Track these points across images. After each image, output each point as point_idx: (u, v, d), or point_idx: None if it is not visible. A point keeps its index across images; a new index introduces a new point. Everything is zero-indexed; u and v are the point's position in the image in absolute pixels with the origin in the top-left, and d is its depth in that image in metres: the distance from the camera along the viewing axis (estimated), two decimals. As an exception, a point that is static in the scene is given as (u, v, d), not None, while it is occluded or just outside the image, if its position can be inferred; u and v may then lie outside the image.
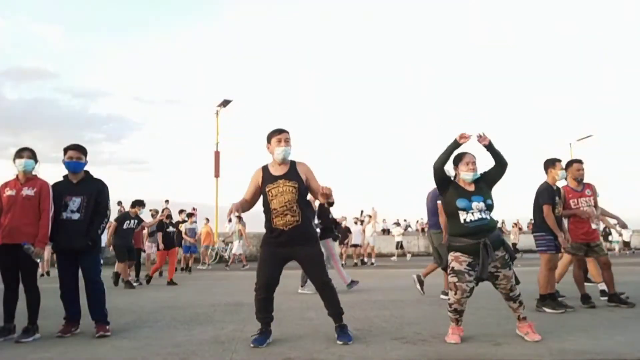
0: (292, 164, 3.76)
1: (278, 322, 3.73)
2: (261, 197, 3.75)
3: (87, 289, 4.18)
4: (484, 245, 3.54)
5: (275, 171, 3.71)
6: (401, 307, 5.58)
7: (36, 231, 3.98)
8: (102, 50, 46.67)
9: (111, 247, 9.28)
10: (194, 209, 15.63)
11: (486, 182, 3.81)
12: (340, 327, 3.70)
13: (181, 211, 12.43)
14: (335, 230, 8.34)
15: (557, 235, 5.13)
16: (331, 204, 8.15)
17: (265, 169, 3.77)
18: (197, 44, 48.86)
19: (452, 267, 3.66)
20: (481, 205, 3.65)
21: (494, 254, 3.58)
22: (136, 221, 9.08)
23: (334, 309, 3.73)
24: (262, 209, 3.76)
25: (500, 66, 49.52)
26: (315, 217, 7.27)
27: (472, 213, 3.63)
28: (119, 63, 47.43)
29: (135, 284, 8.94)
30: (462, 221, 3.65)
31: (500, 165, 3.82)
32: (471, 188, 3.75)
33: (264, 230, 3.80)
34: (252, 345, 3.53)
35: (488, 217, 3.67)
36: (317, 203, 9.20)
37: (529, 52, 48.25)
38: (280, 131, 3.74)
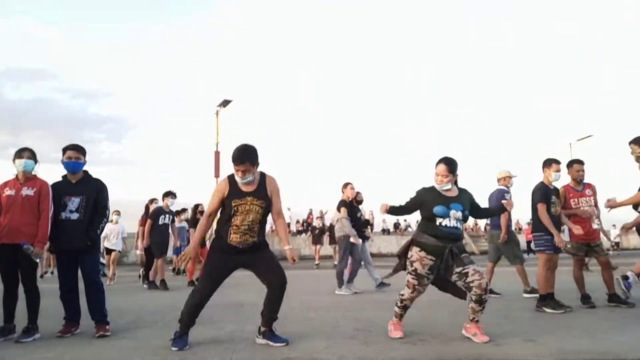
0: (262, 178, 3.62)
1: (278, 322, 3.72)
2: (223, 207, 3.60)
3: (87, 289, 4.18)
4: (449, 251, 3.64)
5: (244, 187, 3.53)
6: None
7: (36, 231, 3.98)
8: (103, 50, 46.66)
9: (139, 250, 9.19)
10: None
11: (470, 201, 3.89)
12: (270, 331, 3.64)
13: (183, 210, 12.33)
14: (367, 228, 8.19)
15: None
16: (360, 201, 8.16)
17: (232, 181, 3.56)
18: (197, 44, 48.86)
19: (415, 269, 3.73)
20: (459, 214, 3.70)
21: (458, 260, 3.65)
22: (171, 216, 8.70)
23: (273, 313, 3.67)
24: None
25: (500, 66, 49.52)
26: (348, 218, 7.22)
27: (449, 219, 3.68)
28: (120, 63, 47.44)
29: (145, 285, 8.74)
30: (437, 224, 3.69)
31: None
32: (452, 194, 3.79)
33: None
34: (173, 347, 3.49)
35: (460, 228, 3.77)
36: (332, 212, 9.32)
37: (528, 51, 48.24)
38: (237, 161, 3.47)
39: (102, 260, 10.35)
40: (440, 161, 3.80)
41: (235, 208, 3.50)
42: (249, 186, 3.55)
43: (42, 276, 10.53)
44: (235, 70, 49.47)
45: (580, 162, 5.55)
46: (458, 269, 3.63)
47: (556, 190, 5.35)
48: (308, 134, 48.85)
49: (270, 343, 3.57)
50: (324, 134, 51.58)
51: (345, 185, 7.51)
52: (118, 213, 10.55)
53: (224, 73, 48.78)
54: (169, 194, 8.71)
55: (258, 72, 50.34)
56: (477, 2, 48.41)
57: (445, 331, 3.88)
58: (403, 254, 3.88)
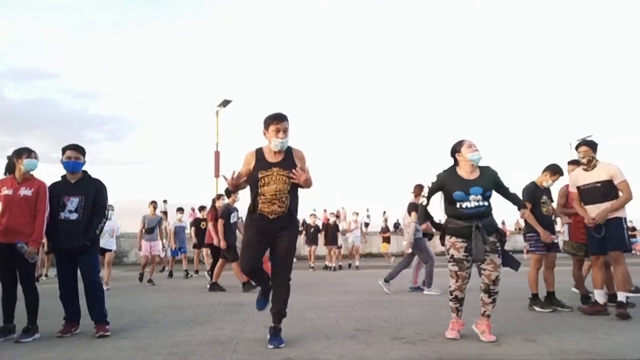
0: (288, 149, 3.64)
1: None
2: (250, 179, 3.65)
3: (87, 289, 4.18)
4: (476, 227, 3.60)
5: (270, 158, 3.59)
6: (401, 307, 5.58)
7: (33, 231, 3.99)
8: (103, 50, 46.60)
9: (201, 251, 8.92)
10: (192, 209, 15.57)
11: (493, 181, 3.79)
12: (274, 328, 3.62)
13: (179, 209, 12.08)
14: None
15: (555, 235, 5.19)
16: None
17: (259, 152, 3.63)
18: (198, 44, 48.85)
19: (452, 255, 3.73)
20: (479, 197, 3.69)
21: (487, 237, 3.63)
22: (237, 213, 8.21)
23: (282, 308, 3.66)
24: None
25: (500, 65, 49.48)
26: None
27: (469, 202, 3.68)
28: (120, 63, 47.39)
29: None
30: (458, 206, 3.71)
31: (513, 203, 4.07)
32: (473, 176, 3.75)
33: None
34: (257, 308, 3.87)
35: (485, 204, 3.73)
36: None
37: (529, 51, 48.22)
38: (279, 119, 3.55)
39: None
40: (463, 139, 3.82)
41: (262, 179, 3.54)
42: (275, 157, 3.59)
43: (37, 279, 10.36)
44: (235, 70, 49.46)
45: (573, 163, 5.58)
46: (475, 251, 3.61)
47: (547, 190, 5.37)
48: (307, 133, 48.82)
49: (269, 344, 3.54)
50: (324, 134, 51.55)
51: (420, 187, 7.09)
52: (112, 208, 9.86)
53: (224, 73, 48.79)
54: (222, 196, 8.37)
55: (258, 72, 50.33)
56: (476, 1, 48.40)
57: (445, 331, 3.87)
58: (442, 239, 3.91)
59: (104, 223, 4.33)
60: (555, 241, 5.27)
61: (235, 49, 49.72)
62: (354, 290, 7.42)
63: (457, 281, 3.74)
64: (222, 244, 7.78)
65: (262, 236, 3.62)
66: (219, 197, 8.85)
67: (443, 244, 3.89)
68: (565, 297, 5.46)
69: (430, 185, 3.91)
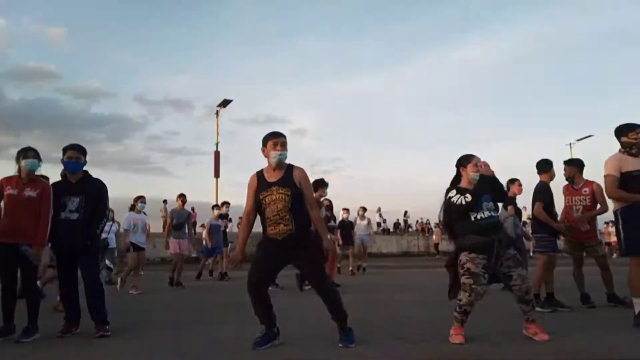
0: (289, 168, 3.62)
1: (279, 322, 3.72)
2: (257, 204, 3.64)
3: (87, 289, 4.18)
4: (498, 242, 3.58)
5: (270, 177, 3.58)
6: (401, 307, 5.58)
7: (36, 233, 3.98)
8: (104, 51, 46.51)
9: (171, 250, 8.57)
10: (192, 209, 15.55)
11: (488, 186, 3.78)
12: (342, 329, 3.61)
13: (215, 206, 11.09)
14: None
15: (557, 236, 5.20)
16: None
17: (260, 174, 3.64)
18: (198, 44, 48.84)
19: (468, 269, 3.61)
20: (490, 205, 3.71)
21: (506, 253, 3.61)
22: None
23: (336, 314, 3.64)
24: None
25: (499, 65, 49.49)
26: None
27: (483, 212, 3.66)
28: (121, 63, 47.33)
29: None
30: (472, 219, 3.66)
31: (500, 197, 3.91)
32: (476, 187, 3.75)
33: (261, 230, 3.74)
34: (252, 347, 3.46)
35: (496, 215, 3.73)
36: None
37: (528, 50, 48.23)
38: (277, 135, 3.62)
39: (108, 264, 9.45)
40: (473, 155, 3.81)
41: (263, 200, 3.54)
42: (274, 175, 3.58)
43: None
44: (235, 70, 49.45)
45: (566, 162, 5.60)
46: (504, 269, 3.59)
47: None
48: (308, 132, 48.83)
49: (339, 343, 3.53)
50: (324, 133, 51.53)
51: (513, 181, 6.90)
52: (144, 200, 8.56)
53: (224, 73, 48.77)
54: (323, 184, 7.68)
55: (258, 72, 50.32)
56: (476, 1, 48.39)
57: (446, 331, 3.86)
58: (450, 265, 3.79)
59: (105, 223, 4.33)
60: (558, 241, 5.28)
61: (236, 49, 49.70)
62: (354, 290, 7.41)
63: (469, 295, 3.60)
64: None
65: (271, 256, 3.60)
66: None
67: (450, 266, 3.80)
68: (565, 298, 5.46)
69: (442, 213, 3.87)
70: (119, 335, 4.06)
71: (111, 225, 9.59)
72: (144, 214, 8.39)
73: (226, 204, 11.20)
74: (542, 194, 5.22)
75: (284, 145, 3.57)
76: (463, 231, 3.72)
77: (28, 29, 41.45)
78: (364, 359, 3.24)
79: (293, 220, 3.49)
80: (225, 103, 20.67)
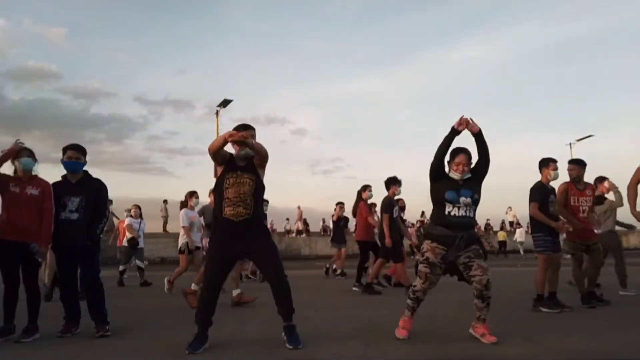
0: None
1: (277, 322, 3.72)
2: (216, 182, 3.69)
3: (87, 289, 4.18)
4: (460, 238, 3.64)
5: (238, 161, 3.65)
6: (401, 307, 5.57)
7: (39, 230, 4.00)
8: (104, 51, 46.48)
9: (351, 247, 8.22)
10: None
11: (475, 179, 3.82)
12: (288, 327, 3.57)
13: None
14: None
15: (556, 235, 5.20)
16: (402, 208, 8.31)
17: (231, 157, 3.69)
18: (198, 44, 48.82)
19: (427, 258, 3.73)
20: (468, 200, 3.71)
21: (467, 247, 3.66)
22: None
23: (286, 307, 3.60)
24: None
25: (499, 65, 49.48)
26: None
27: (458, 208, 3.69)
28: (121, 64, 47.31)
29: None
30: (446, 212, 3.71)
31: (485, 160, 3.81)
32: (461, 182, 3.79)
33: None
34: (186, 351, 3.37)
35: (471, 215, 3.75)
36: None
37: (528, 50, 48.23)
38: (248, 127, 3.66)
39: (140, 264, 9.41)
40: (460, 151, 3.78)
41: (226, 181, 3.56)
42: (242, 161, 3.63)
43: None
44: (235, 70, 49.44)
45: (571, 162, 5.60)
46: (465, 259, 3.65)
47: (553, 190, 5.37)
48: (308, 131, 48.81)
49: (287, 344, 3.50)
50: (324, 133, 51.49)
51: (601, 179, 6.69)
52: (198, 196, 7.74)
53: (224, 73, 48.76)
54: (396, 181, 7.23)
55: (258, 72, 50.30)
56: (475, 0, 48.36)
57: (446, 331, 3.87)
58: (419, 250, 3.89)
59: (105, 223, 4.33)
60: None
61: (236, 49, 49.68)
62: (354, 290, 7.41)
63: (424, 283, 3.73)
64: (388, 241, 6.96)
65: (224, 253, 3.59)
66: (365, 188, 7.97)
67: (419, 250, 3.88)
68: (565, 298, 5.46)
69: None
70: (119, 335, 4.06)
71: (140, 223, 9.51)
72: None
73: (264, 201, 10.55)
74: (537, 194, 5.23)
75: (253, 138, 3.65)
76: (434, 220, 3.82)
77: (28, 29, 41.47)
78: (364, 359, 3.23)
79: (253, 205, 3.53)
80: (225, 103, 20.66)
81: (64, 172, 4.24)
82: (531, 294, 5.28)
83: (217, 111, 20.95)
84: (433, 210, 3.88)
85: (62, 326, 4.11)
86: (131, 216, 9.60)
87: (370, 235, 7.90)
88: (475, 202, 3.75)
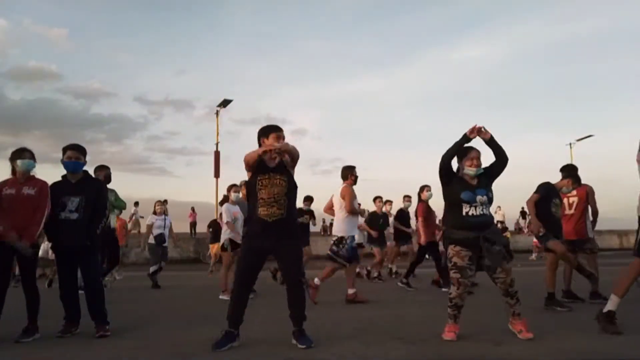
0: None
1: (278, 322, 3.72)
2: (248, 184, 3.74)
3: (87, 289, 4.18)
4: (484, 239, 3.63)
5: (268, 162, 3.68)
6: (401, 307, 5.58)
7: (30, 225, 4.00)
8: (105, 51, 46.53)
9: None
10: (192, 209, 15.54)
11: (487, 176, 3.85)
12: (300, 331, 3.61)
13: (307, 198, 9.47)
14: None
15: (560, 234, 5.24)
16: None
17: (261, 159, 3.70)
18: (198, 44, 48.85)
19: (455, 263, 3.72)
20: (485, 199, 3.72)
21: (493, 248, 3.65)
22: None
23: (299, 312, 3.65)
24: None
25: (499, 65, 49.47)
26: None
27: (475, 207, 3.69)
28: (121, 64, 47.33)
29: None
30: (464, 214, 3.70)
31: (502, 160, 3.83)
32: (474, 182, 3.80)
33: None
34: (212, 348, 3.44)
35: (488, 213, 3.77)
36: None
37: (528, 50, 48.23)
38: (278, 128, 3.74)
39: (162, 264, 8.93)
40: (471, 148, 3.81)
41: (259, 182, 3.61)
42: (273, 162, 3.67)
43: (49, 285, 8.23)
44: (235, 70, 49.43)
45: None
46: (489, 262, 3.66)
47: (559, 192, 5.38)
48: (308, 131, 48.81)
49: (298, 345, 3.53)
50: (325, 132, 51.50)
51: None
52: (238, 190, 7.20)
53: (224, 73, 48.75)
54: (426, 186, 7.54)
55: (258, 72, 50.29)
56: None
57: (442, 333, 3.86)
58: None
59: (105, 223, 4.34)
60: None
61: (236, 49, 49.67)
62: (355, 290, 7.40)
63: (458, 288, 3.73)
64: (423, 240, 7.26)
65: (255, 251, 3.65)
66: (423, 188, 7.85)
67: (446, 251, 3.89)
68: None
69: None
70: (119, 335, 4.06)
71: (165, 220, 9.12)
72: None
73: (309, 199, 9.50)
74: (543, 189, 5.24)
75: (283, 140, 3.70)
76: (452, 223, 3.79)
77: (29, 30, 41.53)
78: (364, 359, 3.23)
79: (287, 205, 3.59)
80: (225, 103, 20.66)
81: (64, 172, 4.25)
82: (531, 294, 5.28)
83: (217, 111, 20.96)
84: (449, 213, 3.85)
85: (62, 326, 4.12)
86: (155, 213, 9.20)
87: (432, 236, 7.64)
88: (490, 200, 3.77)
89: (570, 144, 26.91)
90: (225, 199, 7.25)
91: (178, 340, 3.84)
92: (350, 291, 6.00)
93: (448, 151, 3.77)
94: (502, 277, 3.69)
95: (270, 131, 3.72)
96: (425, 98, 53.01)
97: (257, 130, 3.79)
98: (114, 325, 4.22)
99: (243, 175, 4.10)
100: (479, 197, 3.70)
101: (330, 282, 8.54)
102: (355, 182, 6.25)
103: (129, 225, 14.91)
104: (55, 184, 4.23)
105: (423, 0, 49.90)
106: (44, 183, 4.14)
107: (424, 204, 7.73)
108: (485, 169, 3.86)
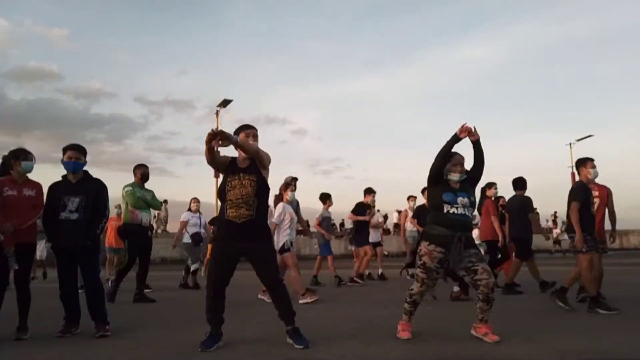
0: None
1: (277, 322, 3.72)
2: (219, 186, 3.73)
3: (87, 289, 4.18)
4: (458, 239, 3.63)
5: (240, 164, 3.67)
6: (401, 307, 5.57)
7: (36, 230, 4.05)
8: (105, 51, 46.48)
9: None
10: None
11: (469, 182, 3.88)
12: (293, 330, 3.59)
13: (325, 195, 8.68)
14: None
15: (593, 230, 5.19)
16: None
17: (232, 160, 3.73)
18: (198, 44, 48.85)
19: (424, 263, 3.73)
20: (465, 200, 3.74)
21: (466, 251, 3.65)
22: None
23: (285, 309, 3.63)
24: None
25: (499, 65, 49.47)
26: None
27: (457, 208, 3.71)
28: (121, 64, 47.31)
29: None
30: (445, 211, 3.71)
31: (480, 165, 3.86)
32: (457, 185, 3.83)
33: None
34: (199, 349, 3.43)
35: (469, 215, 3.77)
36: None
37: (528, 50, 48.23)
38: (249, 127, 3.74)
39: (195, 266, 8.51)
40: (454, 154, 3.82)
41: (229, 183, 3.59)
42: (243, 162, 3.66)
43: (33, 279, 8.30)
44: (235, 70, 49.42)
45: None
46: (467, 264, 3.64)
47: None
48: (309, 130, 48.80)
49: (295, 345, 3.52)
50: (325, 133, 51.49)
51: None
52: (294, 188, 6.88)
53: (224, 73, 48.75)
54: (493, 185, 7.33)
55: (258, 72, 50.28)
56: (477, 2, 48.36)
57: (446, 331, 3.87)
58: (416, 250, 3.92)
59: (105, 223, 4.34)
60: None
61: (236, 49, 49.66)
62: (355, 290, 7.41)
63: (421, 286, 3.79)
64: (501, 241, 7.07)
65: (227, 253, 3.63)
66: (490, 185, 7.65)
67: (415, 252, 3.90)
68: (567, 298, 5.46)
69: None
70: (119, 335, 4.06)
71: (200, 218, 8.86)
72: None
73: (371, 192, 9.08)
74: (579, 193, 5.17)
75: (255, 137, 3.71)
76: (432, 220, 3.81)
77: (30, 30, 41.51)
78: (364, 359, 3.23)
79: (256, 206, 3.55)
80: (225, 103, 20.61)
81: (64, 172, 4.25)
82: (531, 294, 5.28)
83: (217, 111, 20.91)
84: (431, 214, 3.89)
85: (62, 326, 4.11)
86: (190, 210, 8.89)
87: (495, 235, 7.38)
88: (472, 204, 3.79)
89: (570, 144, 26.89)
90: (278, 198, 6.66)
91: (178, 340, 3.84)
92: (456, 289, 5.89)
93: (440, 154, 3.78)
94: (484, 279, 3.57)
95: (240, 130, 3.71)
96: (425, 98, 53.03)
97: None
98: (114, 325, 4.21)
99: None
100: (459, 199, 3.72)
101: (329, 282, 8.55)
102: None
103: (154, 224, 14.84)
104: (55, 184, 4.24)
105: (423, 0, 49.91)
106: (40, 185, 4.20)
107: (490, 201, 7.54)
108: (469, 174, 3.87)
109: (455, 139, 3.73)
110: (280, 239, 6.22)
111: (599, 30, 47.90)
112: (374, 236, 9.26)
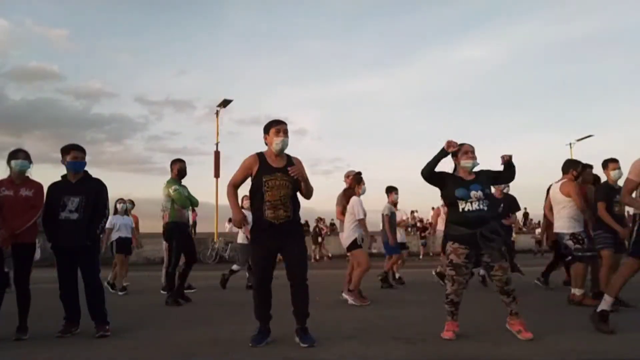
0: (289, 158, 3.78)
1: (278, 322, 3.72)
2: (252, 185, 3.72)
3: (87, 289, 4.18)
4: (481, 236, 3.66)
5: (273, 162, 3.69)
6: (401, 307, 5.58)
7: (36, 230, 4.04)
8: (106, 52, 46.43)
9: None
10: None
11: (487, 176, 3.90)
12: (302, 329, 3.65)
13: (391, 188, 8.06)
14: None
15: (615, 232, 5.16)
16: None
17: (262, 157, 3.71)
18: (198, 44, 48.83)
19: (451, 260, 3.79)
20: (479, 194, 3.75)
21: (489, 244, 3.69)
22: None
23: (302, 309, 3.69)
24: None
25: (500, 65, 49.47)
26: None
27: (471, 202, 3.72)
28: (122, 64, 47.28)
29: None
30: (460, 210, 3.74)
31: (511, 178, 3.97)
32: (470, 177, 3.84)
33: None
34: (250, 344, 3.53)
35: (485, 208, 3.78)
36: None
37: (528, 50, 48.21)
38: (279, 122, 3.76)
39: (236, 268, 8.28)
40: (463, 143, 3.85)
41: (266, 183, 3.61)
42: (277, 162, 3.70)
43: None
44: (235, 70, 49.42)
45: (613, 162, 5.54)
46: (487, 259, 3.73)
47: (618, 190, 5.31)
48: (309, 131, 48.80)
49: (301, 343, 3.56)
50: (326, 134, 51.50)
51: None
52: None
53: (224, 73, 48.75)
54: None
55: (258, 72, 50.29)
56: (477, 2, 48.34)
57: (442, 332, 3.86)
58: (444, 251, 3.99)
59: (105, 223, 4.35)
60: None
61: (236, 49, 49.67)
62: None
63: (453, 285, 3.80)
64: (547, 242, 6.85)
65: (266, 249, 3.68)
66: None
67: (444, 251, 3.94)
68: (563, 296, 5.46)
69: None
70: (119, 335, 4.06)
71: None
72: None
73: (394, 190, 8.24)
74: (603, 193, 5.26)
75: (286, 132, 3.73)
76: (451, 219, 3.87)
77: (30, 30, 41.48)
78: (364, 359, 3.23)
79: (292, 207, 3.66)
80: (225, 103, 20.62)
81: (64, 172, 4.25)
82: (531, 294, 5.27)
83: (217, 111, 20.92)
84: (449, 211, 3.94)
85: (62, 326, 4.12)
86: (242, 207, 8.64)
87: None
88: (487, 196, 3.80)
89: (570, 144, 26.87)
90: (348, 192, 6.33)
91: (178, 340, 3.84)
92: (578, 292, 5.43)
93: (426, 165, 3.81)
94: (498, 275, 3.72)
95: (270, 127, 3.73)
96: (425, 98, 52.96)
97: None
98: (114, 325, 4.22)
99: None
100: (473, 193, 3.73)
101: (330, 283, 8.56)
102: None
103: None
104: (55, 184, 4.24)
105: (423, 0, 49.86)
106: (40, 184, 4.18)
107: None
108: (490, 171, 3.95)
109: (443, 153, 3.78)
110: (350, 234, 6.00)
111: (599, 30, 47.90)
112: (399, 236, 8.53)
